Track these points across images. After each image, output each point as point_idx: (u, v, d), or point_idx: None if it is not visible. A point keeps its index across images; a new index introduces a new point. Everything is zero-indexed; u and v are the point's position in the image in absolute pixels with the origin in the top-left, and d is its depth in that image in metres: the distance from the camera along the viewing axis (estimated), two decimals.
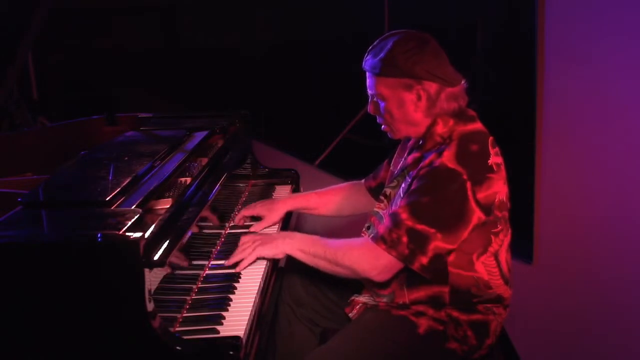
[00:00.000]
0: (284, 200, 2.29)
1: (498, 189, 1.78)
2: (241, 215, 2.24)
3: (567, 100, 2.54)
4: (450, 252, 1.76)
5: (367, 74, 1.87)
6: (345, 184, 2.35)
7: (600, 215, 2.49)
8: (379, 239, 1.74)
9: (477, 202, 1.73)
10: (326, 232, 3.59)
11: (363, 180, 2.31)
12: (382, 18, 4.44)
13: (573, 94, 2.51)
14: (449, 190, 1.72)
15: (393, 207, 1.85)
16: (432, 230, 1.70)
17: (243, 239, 1.95)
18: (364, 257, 1.77)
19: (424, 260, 1.71)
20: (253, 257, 1.88)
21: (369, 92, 1.88)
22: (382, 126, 1.93)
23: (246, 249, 1.90)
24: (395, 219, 1.73)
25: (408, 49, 1.78)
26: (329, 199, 2.31)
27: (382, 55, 1.80)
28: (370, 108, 1.91)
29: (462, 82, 1.84)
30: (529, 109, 2.67)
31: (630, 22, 2.30)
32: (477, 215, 1.74)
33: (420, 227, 1.70)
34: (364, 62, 1.87)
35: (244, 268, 1.87)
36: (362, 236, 2.00)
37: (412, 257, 1.71)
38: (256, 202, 2.30)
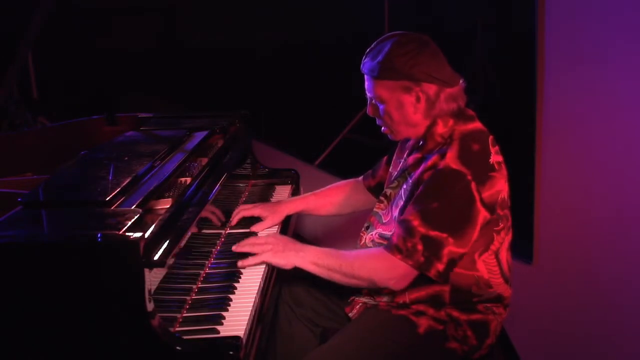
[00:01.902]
0: (285, 203, 2.28)
1: (500, 187, 1.78)
2: (240, 216, 2.20)
3: (567, 100, 2.54)
4: (462, 255, 1.75)
5: (366, 76, 1.87)
6: (343, 182, 2.35)
7: (600, 216, 2.49)
8: (394, 249, 1.74)
9: (483, 201, 1.73)
10: (326, 230, 3.61)
11: (361, 178, 2.30)
12: (382, 18, 4.44)
13: (573, 94, 2.50)
14: (456, 192, 1.72)
15: (398, 212, 1.85)
16: (444, 235, 1.70)
17: (256, 239, 1.92)
18: (381, 268, 1.76)
19: (440, 267, 1.72)
20: (258, 261, 1.85)
21: (368, 94, 1.88)
22: (382, 128, 1.93)
23: (255, 246, 1.87)
24: (407, 226, 1.73)
25: (406, 52, 1.78)
26: (329, 199, 2.31)
27: (380, 58, 1.80)
28: (369, 110, 1.91)
29: (461, 81, 1.84)
30: (529, 109, 2.67)
31: (630, 21, 2.30)
32: (483, 215, 1.74)
33: (433, 233, 1.70)
34: (362, 65, 1.87)
35: (246, 267, 1.86)
36: (361, 236, 2.01)
37: (428, 264, 1.71)
38: (254, 203, 2.29)
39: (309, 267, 1.82)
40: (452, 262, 1.74)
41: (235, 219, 2.19)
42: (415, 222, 1.72)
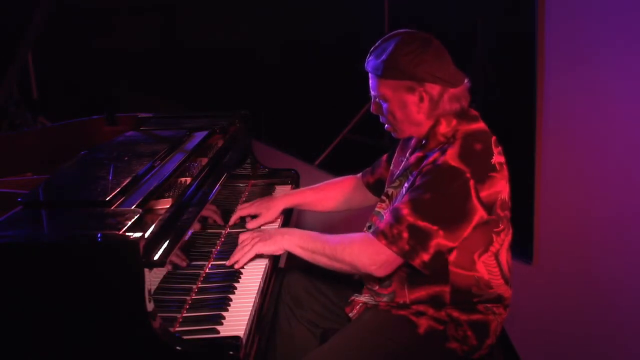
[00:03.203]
0: (280, 197, 2.29)
1: (500, 188, 1.78)
2: (237, 216, 2.22)
3: (567, 100, 2.54)
4: (451, 249, 1.76)
5: (370, 75, 1.87)
6: (341, 179, 2.34)
7: (600, 216, 2.49)
8: (379, 234, 1.74)
9: (480, 200, 1.73)
10: (326, 227, 3.60)
11: (360, 175, 2.30)
12: (382, 18, 4.44)
13: (573, 94, 2.51)
14: (452, 187, 1.72)
15: (395, 204, 1.85)
16: (434, 228, 1.70)
17: (242, 236, 1.95)
18: (364, 252, 1.76)
19: (426, 257, 1.71)
20: (252, 254, 1.88)
21: (372, 93, 1.88)
22: (385, 125, 1.93)
23: (245, 246, 1.90)
24: (396, 214, 1.73)
25: (410, 51, 1.77)
26: (326, 194, 2.31)
27: (384, 57, 1.79)
28: (372, 108, 1.92)
29: (465, 81, 1.84)
30: (529, 109, 2.67)
31: (630, 22, 2.30)
32: (480, 214, 1.74)
33: (422, 224, 1.70)
34: (366, 63, 1.87)
35: (244, 264, 1.87)
36: None
37: (412, 253, 1.71)
38: (252, 201, 2.30)
39: (295, 250, 1.85)
40: (439, 254, 1.73)
41: (234, 219, 2.21)
42: (405, 211, 1.72)
